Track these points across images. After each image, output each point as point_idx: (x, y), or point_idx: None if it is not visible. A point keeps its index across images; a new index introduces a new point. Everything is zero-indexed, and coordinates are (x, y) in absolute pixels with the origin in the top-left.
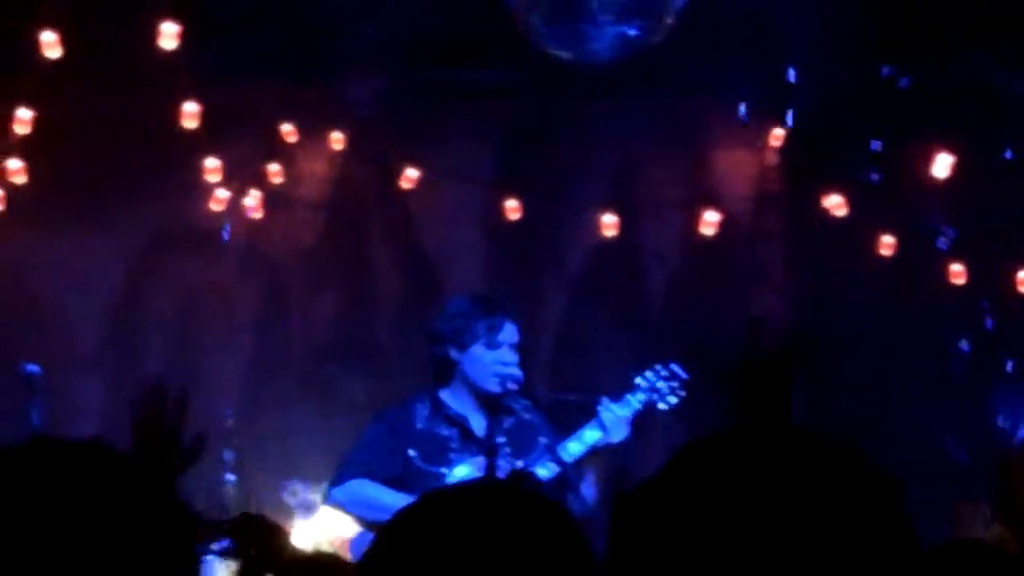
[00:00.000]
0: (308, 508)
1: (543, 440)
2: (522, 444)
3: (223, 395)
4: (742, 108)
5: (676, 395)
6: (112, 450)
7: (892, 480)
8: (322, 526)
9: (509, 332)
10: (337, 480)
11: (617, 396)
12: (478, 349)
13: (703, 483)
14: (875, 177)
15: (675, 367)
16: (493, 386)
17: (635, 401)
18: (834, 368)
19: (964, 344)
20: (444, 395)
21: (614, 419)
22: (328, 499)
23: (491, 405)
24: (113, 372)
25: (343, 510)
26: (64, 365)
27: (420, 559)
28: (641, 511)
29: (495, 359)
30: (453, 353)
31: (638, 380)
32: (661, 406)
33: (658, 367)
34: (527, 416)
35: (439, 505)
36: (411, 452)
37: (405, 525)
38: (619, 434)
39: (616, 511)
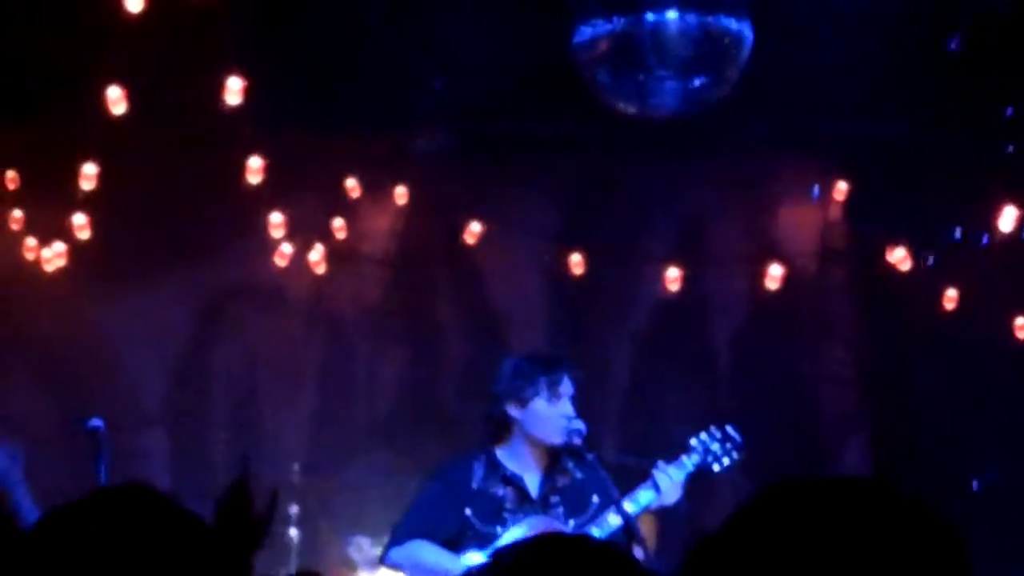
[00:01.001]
0: (373, 563)
1: (595, 500)
2: (575, 504)
3: (289, 450)
4: (815, 190)
5: (730, 457)
6: (196, 519)
7: (957, 532)
8: None
9: (568, 385)
10: (395, 540)
11: (672, 457)
12: (539, 404)
13: (774, 534)
14: (940, 231)
15: (730, 429)
16: (557, 438)
17: (689, 463)
18: (903, 421)
19: None
20: (500, 454)
21: (668, 482)
22: (386, 560)
23: (551, 462)
24: (179, 427)
25: (401, 571)
26: (130, 420)
27: None
28: (713, 563)
29: (558, 412)
30: (513, 411)
31: (693, 441)
32: (715, 468)
33: (713, 429)
34: (579, 476)
35: (511, 564)
36: (468, 511)
37: None
38: (672, 496)
39: (691, 561)
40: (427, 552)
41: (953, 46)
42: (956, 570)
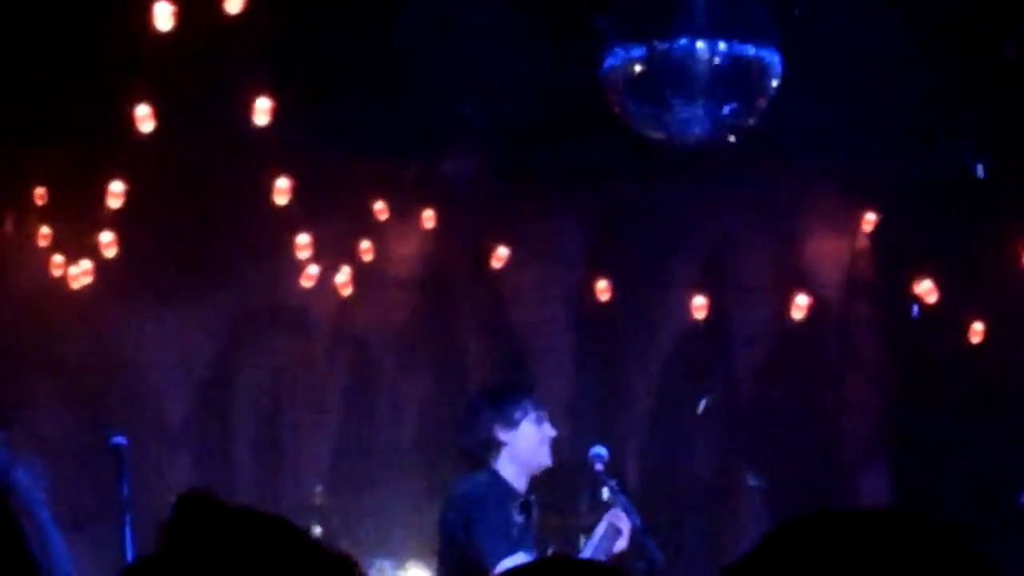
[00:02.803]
0: None
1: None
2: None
3: (312, 471)
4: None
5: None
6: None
7: (981, 560)
8: None
9: (543, 408)
10: (498, 559)
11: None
12: (527, 426)
13: (798, 566)
14: (965, 263)
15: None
16: (546, 458)
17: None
18: (931, 456)
19: None
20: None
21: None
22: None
23: (530, 484)
24: (202, 445)
25: None
26: (154, 438)
27: None
28: None
29: (544, 433)
30: (502, 434)
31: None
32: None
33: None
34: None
35: None
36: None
37: None
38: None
39: None
40: None
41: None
42: None
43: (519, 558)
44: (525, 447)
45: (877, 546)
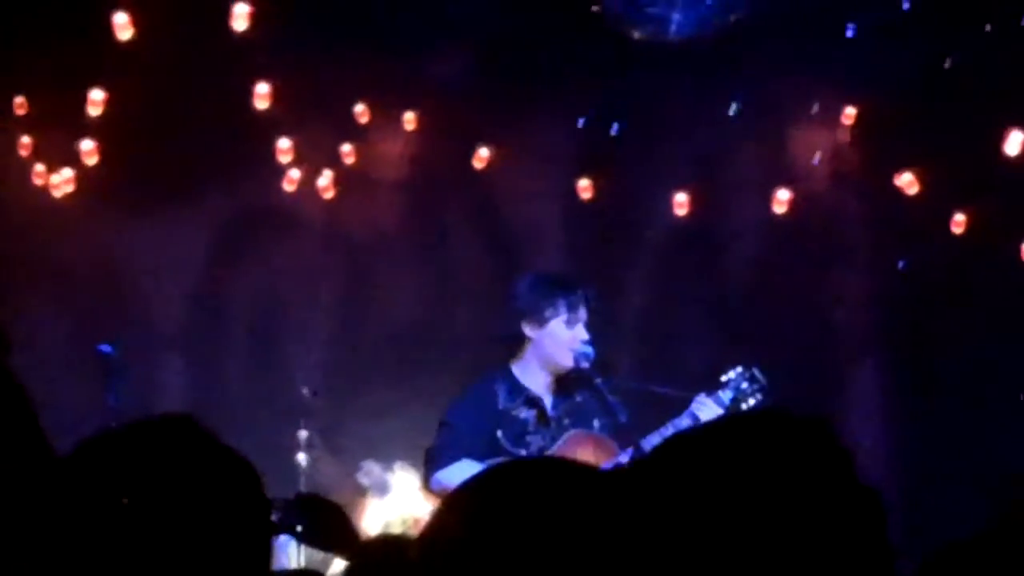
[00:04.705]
0: (383, 489)
1: (596, 424)
2: (581, 427)
3: (302, 375)
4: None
5: (756, 398)
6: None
7: (842, 448)
8: (396, 506)
9: (584, 310)
10: (439, 463)
11: (710, 392)
12: (556, 326)
13: (683, 466)
14: (948, 156)
15: (756, 371)
16: (568, 362)
17: (726, 398)
18: (914, 345)
19: None
20: (517, 372)
21: (708, 414)
22: (433, 484)
23: (559, 384)
24: (194, 352)
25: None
26: (144, 346)
27: (482, 532)
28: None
29: (574, 336)
30: (529, 330)
31: (725, 378)
32: (743, 407)
33: (741, 368)
34: (579, 399)
35: (497, 480)
36: (499, 433)
37: (467, 501)
38: None
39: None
40: (476, 471)
41: None
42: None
43: (464, 467)
44: (550, 348)
45: (746, 444)
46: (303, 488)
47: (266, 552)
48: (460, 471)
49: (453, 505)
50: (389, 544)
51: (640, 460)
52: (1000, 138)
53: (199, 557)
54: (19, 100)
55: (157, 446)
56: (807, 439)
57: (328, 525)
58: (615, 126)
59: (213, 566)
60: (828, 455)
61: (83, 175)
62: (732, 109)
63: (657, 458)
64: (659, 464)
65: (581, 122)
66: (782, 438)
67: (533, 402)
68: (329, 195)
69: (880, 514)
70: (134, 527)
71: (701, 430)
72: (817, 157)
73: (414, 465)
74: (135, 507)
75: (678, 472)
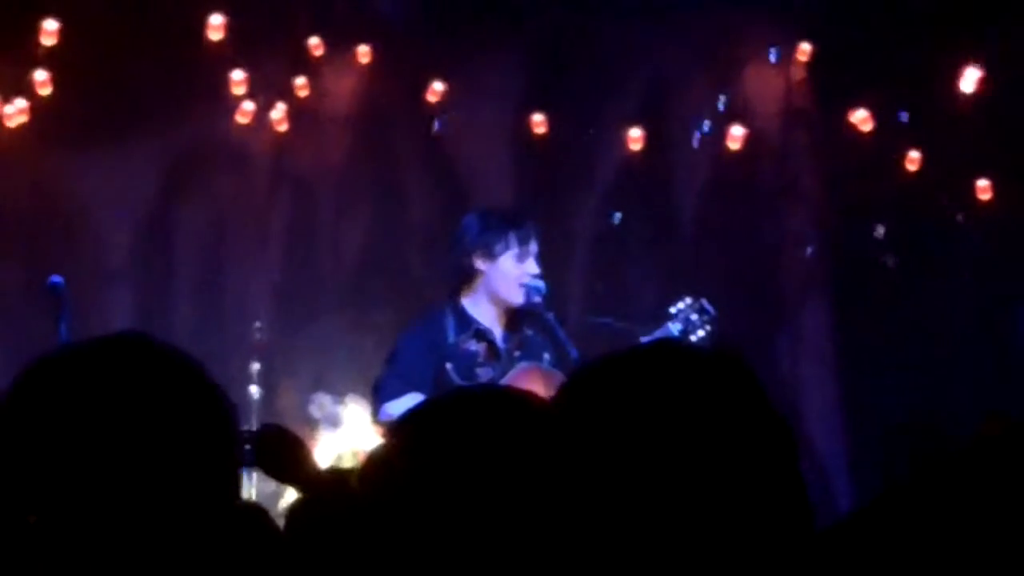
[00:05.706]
0: (334, 421)
1: (547, 357)
2: (532, 361)
3: (252, 308)
4: (772, 53)
5: (705, 329)
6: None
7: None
8: (347, 439)
9: (534, 244)
10: (386, 395)
11: (656, 324)
12: (507, 260)
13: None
14: (902, 93)
15: (704, 302)
16: (517, 297)
17: (675, 330)
18: (861, 283)
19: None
20: (467, 306)
21: None
22: (381, 415)
23: (509, 318)
24: (143, 285)
25: None
26: (93, 278)
27: (421, 463)
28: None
29: (524, 270)
30: (480, 263)
31: (673, 309)
32: (692, 339)
33: (688, 299)
34: (529, 333)
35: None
36: (448, 366)
37: (408, 432)
38: None
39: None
40: None
41: None
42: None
43: (411, 400)
44: (499, 282)
45: (653, 375)
46: (255, 420)
47: (236, 482)
48: (407, 403)
49: (394, 436)
50: (338, 477)
51: (563, 387)
52: (956, 75)
53: (165, 481)
54: None
55: (126, 363)
56: (712, 369)
57: (289, 458)
58: (567, 59)
59: (181, 493)
60: (734, 384)
61: (36, 106)
62: None
63: (575, 386)
64: (579, 393)
65: (530, 58)
66: (690, 367)
67: (482, 335)
68: (283, 128)
69: (791, 444)
70: (96, 450)
71: (617, 360)
72: (770, 94)
73: (365, 398)
74: (94, 428)
75: (595, 403)
